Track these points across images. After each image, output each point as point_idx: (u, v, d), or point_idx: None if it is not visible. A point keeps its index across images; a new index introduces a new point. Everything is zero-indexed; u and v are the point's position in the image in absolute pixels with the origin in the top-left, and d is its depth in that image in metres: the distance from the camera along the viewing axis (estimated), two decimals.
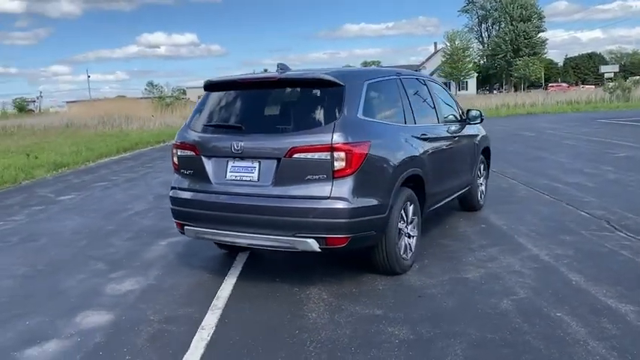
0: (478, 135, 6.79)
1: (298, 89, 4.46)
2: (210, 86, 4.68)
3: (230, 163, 4.34)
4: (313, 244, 4.08)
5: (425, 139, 5.13)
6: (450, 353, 3.32)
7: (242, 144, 4.25)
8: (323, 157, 4.01)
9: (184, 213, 4.58)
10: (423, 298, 4.24)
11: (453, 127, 6.07)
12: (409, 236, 4.86)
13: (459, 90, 75.16)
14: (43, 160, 14.26)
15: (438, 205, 5.56)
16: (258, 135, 4.28)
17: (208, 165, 4.44)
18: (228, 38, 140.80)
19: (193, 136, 4.57)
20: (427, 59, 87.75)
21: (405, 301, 4.18)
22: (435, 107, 5.71)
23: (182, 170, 4.65)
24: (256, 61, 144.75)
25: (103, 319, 4.01)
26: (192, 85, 73.40)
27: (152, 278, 4.89)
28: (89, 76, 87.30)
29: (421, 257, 5.20)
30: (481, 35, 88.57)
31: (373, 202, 4.23)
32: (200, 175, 4.48)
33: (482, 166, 7.14)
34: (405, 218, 4.76)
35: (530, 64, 74.84)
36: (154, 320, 3.96)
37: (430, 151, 5.18)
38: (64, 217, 7.71)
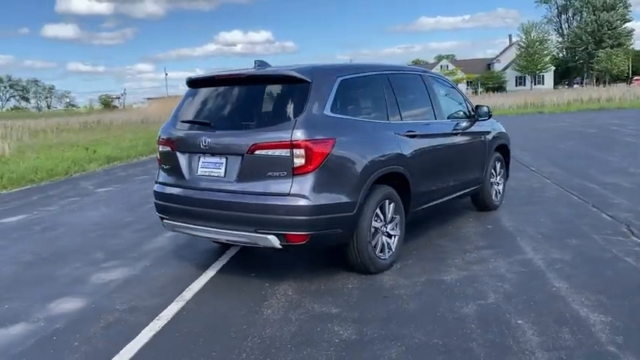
0: (490, 132, 6.53)
1: (266, 86, 4.48)
2: (191, 83, 4.78)
3: (201, 159, 4.43)
4: (274, 241, 4.09)
5: (412, 137, 5.00)
6: (382, 356, 3.25)
7: (209, 140, 4.33)
8: (283, 154, 4.02)
9: (163, 207, 4.72)
10: (388, 298, 4.16)
11: (457, 124, 5.88)
12: (389, 235, 4.77)
13: (535, 84, 72.16)
14: (100, 154, 15.05)
15: (431, 204, 5.40)
16: (225, 131, 4.34)
17: (182, 160, 4.55)
18: (301, 34, 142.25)
19: (171, 132, 4.69)
20: (501, 52, 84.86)
21: (367, 300, 4.12)
22: (432, 104, 5.54)
23: (162, 165, 4.80)
24: (329, 56, 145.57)
25: (74, 307, 4.21)
26: None
27: (139, 269, 5.07)
28: (167, 74, 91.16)
29: (408, 257, 5.10)
30: (560, 27, 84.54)
31: (338, 199, 4.18)
32: (176, 170, 4.60)
33: (498, 165, 6.86)
34: (383, 217, 4.66)
35: (614, 56, 70.57)
36: (119, 309, 4.11)
37: (419, 149, 5.04)
38: (92, 209, 8.12)
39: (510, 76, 76.40)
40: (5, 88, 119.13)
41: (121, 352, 3.41)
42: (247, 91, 4.51)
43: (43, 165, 12.50)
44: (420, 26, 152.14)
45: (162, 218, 4.78)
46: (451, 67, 79.89)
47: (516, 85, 74.48)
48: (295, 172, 4.01)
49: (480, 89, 68.02)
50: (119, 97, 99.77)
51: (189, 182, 4.49)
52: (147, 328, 3.75)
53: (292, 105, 4.16)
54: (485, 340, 3.39)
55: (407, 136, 4.94)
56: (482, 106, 6.29)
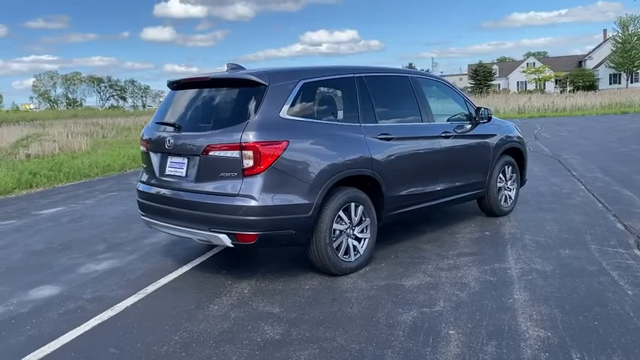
0: (495, 135, 6.30)
1: (226, 89, 4.60)
2: (170, 85, 5.00)
3: (169, 159, 4.64)
4: (225, 240, 4.23)
5: (387, 140, 4.95)
6: (292, 357, 3.28)
7: (172, 141, 4.54)
8: (233, 156, 4.13)
9: (141, 204, 4.98)
10: (335, 301, 4.17)
11: (449, 127, 5.73)
12: (357, 239, 4.76)
13: (631, 82, 67.49)
14: None
15: (412, 208, 5.31)
16: (186, 133, 4.52)
17: (155, 160, 4.78)
18: (387, 33, 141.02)
19: (148, 132, 4.94)
20: (594, 49, 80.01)
21: (314, 302, 4.15)
22: (419, 107, 5.45)
23: (142, 164, 5.06)
24: (414, 54, 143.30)
25: (48, 294, 4.55)
26: None
27: (125, 262, 5.37)
28: None
29: (383, 260, 5.07)
30: None
31: (290, 201, 4.24)
32: (150, 169, 4.85)
33: (508, 169, 6.61)
34: (349, 220, 4.66)
35: None
36: (83, 298, 4.40)
37: (395, 152, 4.99)
38: (121, 204, 8.63)
39: (604, 73, 71.86)
40: (105, 88, 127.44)
41: (60, 337, 3.67)
42: (210, 93, 4.66)
43: (102, 161, 13.35)
44: (512, 22, 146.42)
45: (141, 215, 5.04)
46: (538, 64, 76.36)
47: (610, 84, 69.92)
48: (245, 173, 4.12)
49: (568, 88, 64.49)
50: None
51: (160, 181, 4.71)
52: (97, 317, 4.00)
53: (247, 107, 4.27)
54: (402, 348, 3.34)
55: (381, 139, 4.90)
56: (483, 108, 6.08)
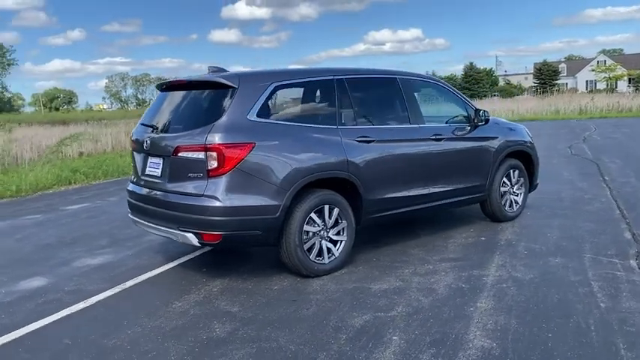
0: (497, 138, 6.11)
1: (200, 92, 4.71)
2: (158, 87, 5.18)
3: (149, 159, 4.81)
4: (192, 239, 4.34)
5: (367, 142, 4.93)
6: (228, 355, 3.35)
7: (149, 142, 4.70)
8: (199, 157, 4.24)
9: (128, 202, 5.19)
10: (295, 302, 4.20)
11: (441, 130, 5.63)
12: (332, 241, 4.76)
13: None
14: None
15: (396, 212, 5.24)
16: (162, 134, 4.67)
17: (138, 160, 4.97)
18: (452, 31, 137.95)
19: (136, 133, 5.13)
20: None
21: (275, 302, 4.19)
22: (407, 109, 5.38)
23: (132, 164, 5.26)
24: (480, 53, 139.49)
25: (35, 285, 4.82)
26: None
27: (119, 257, 5.60)
28: None
29: (363, 263, 5.06)
30: None
31: (255, 202, 4.30)
32: (135, 168, 5.05)
33: (515, 173, 6.40)
34: (324, 222, 4.68)
35: None
36: (64, 290, 4.64)
37: (375, 155, 4.96)
38: None
39: None
40: None
41: (25, 326, 3.88)
42: (185, 96, 4.79)
43: None
44: (585, 18, 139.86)
45: (129, 214, 5.24)
46: (609, 62, 72.76)
47: None
48: (210, 174, 4.22)
49: None
50: None
51: (142, 181, 4.90)
52: (68, 309, 4.21)
53: (215, 110, 4.37)
54: (337, 352, 3.33)
55: (360, 141, 4.88)
56: (482, 110, 5.93)
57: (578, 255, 5.06)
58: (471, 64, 65.56)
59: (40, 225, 7.38)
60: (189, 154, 4.30)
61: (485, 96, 46.01)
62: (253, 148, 4.27)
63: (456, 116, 5.97)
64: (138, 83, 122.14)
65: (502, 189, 6.28)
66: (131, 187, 5.13)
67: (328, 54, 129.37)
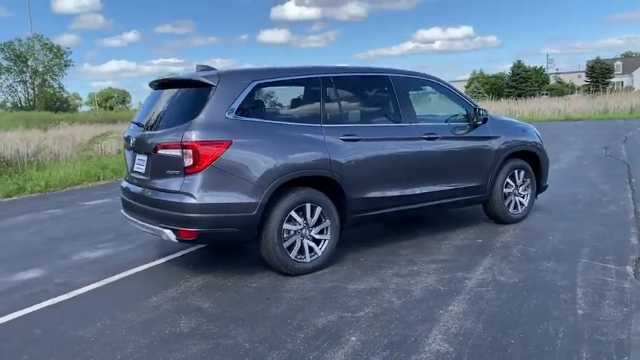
0: (498, 137, 5.93)
1: (183, 90, 4.76)
2: (150, 85, 5.28)
3: (137, 157, 4.91)
4: (170, 235, 4.41)
5: (353, 140, 4.89)
6: (184, 350, 3.39)
7: (134, 140, 4.80)
8: (176, 154, 4.31)
9: (120, 199, 5.32)
10: (269, 300, 4.21)
11: (436, 128, 5.52)
12: (314, 240, 4.75)
13: None
14: None
15: (387, 211, 5.17)
16: (147, 132, 4.76)
17: (128, 157, 5.09)
18: (504, 28, 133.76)
19: (127, 131, 5.25)
20: None
21: (247, 299, 4.22)
22: (399, 107, 5.30)
23: (125, 161, 5.40)
24: (533, 50, 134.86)
25: (29, 276, 5.00)
26: (460, 79, 73.08)
27: (117, 251, 5.75)
28: None
29: (348, 262, 5.03)
30: None
31: (231, 199, 4.33)
32: (127, 166, 5.17)
33: (519, 174, 6.20)
34: (305, 220, 4.67)
35: None
36: (53, 283, 4.80)
37: (360, 153, 4.91)
38: None
39: None
40: None
41: (8, 315, 4.06)
42: (170, 94, 4.86)
43: None
44: None
45: (121, 210, 5.37)
46: None
47: None
48: (186, 171, 4.28)
49: None
50: None
51: (131, 178, 5.01)
52: (50, 300, 4.35)
53: (194, 108, 4.42)
54: (290, 351, 3.33)
55: (345, 139, 4.84)
56: (481, 109, 5.77)
57: (574, 259, 4.87)
58: (519, 62, 63.71)
59: (56, 219, 7.66)
60: (168, 152, 4.37)
61: (532, 95, 44.59)
62: (230, 145, 4.30)
63: (457, 115, 5.85)
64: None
65: (506, 190, 6.10)
66: (124, 184, 5.26)
67: (376, 53, 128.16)
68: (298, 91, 5.00)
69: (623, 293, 4.05)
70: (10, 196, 9.96)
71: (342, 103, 4.97)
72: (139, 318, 3.93)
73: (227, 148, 4.29)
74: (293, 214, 4.59)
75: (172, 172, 4.36)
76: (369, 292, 4.28)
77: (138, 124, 4.96)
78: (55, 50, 64.16)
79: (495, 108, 34.51)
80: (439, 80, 5.88)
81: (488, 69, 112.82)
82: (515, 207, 6.24)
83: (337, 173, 4.74)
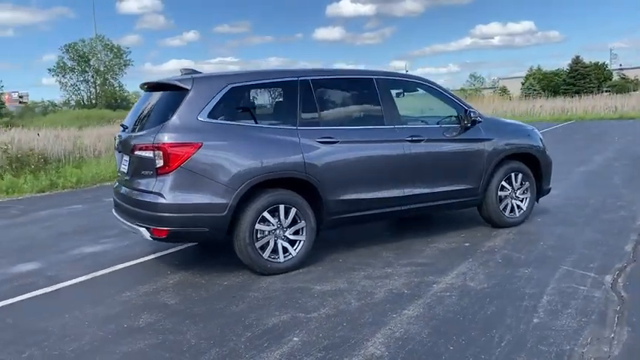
0: (492, 139, 5.81)
1: (162, 93, 4.93)
2: (141, 87, 5.49)
3: (122, 158, 5.13)
4: (145, 233, 4.60)
5: (331, 143, 4.94)
6: (133, 345, 3.54)
7: (118, 141, 5.02)
8: (149, 155, 4.49)
9: (113, 200, 5.55)
10: (234, 298, 4.32)
11: (422, 131, 5.48)
12: (289, 241, 4.82)
13: None
14: None
15: (368, 213, 5.19)
16: (129, 134, 4.96)
17: (117, 158, 5.32)
18: (567, 23, 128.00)
19: (119, 133, 5.49)
20: None
21: (213, 297, 4.34)
22: (382, 109, 5.30)
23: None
24: (599, 46, 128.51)
25: (26, 269, 5.30)
26: (517, 75, 71.00)
27: (115, 247, 6.01)
28: (407, 71, 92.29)
29: (326, 263, 5.08)
30: None
31: (202, 200, 4.47)
32: (117, 167, 5.41)
33: (517, 177, 6.06)
34: (279, 221, 4.75)
35: None
36: (43, 275, 5.07)
37: (338, 156, 4.95)
38: None
39: None
40: None
41: None
42: (152, 97, 5.04)
43: None
44: None
45: (113, 209, 5.60)
46: None
47: None
48: (158, 172, 4.45)
49: None
50: None
51: (118, 177, 5.24)
52: (33, 292, 4.62)
53: (169, 111, 4.58)
54: (231, 349, 3.42)
55: (321, 142, 4.90)
56: (470, 111, 5.68)
57: (555, 266, 4.75)
58: (578, 57, 61.16)
59: (74, 214, 8.06)
60: (142, 153, 4.55)
61: (591, 92, 42.73)
62: (200, 148, 4.43)
63: (449, 117, 5.78)
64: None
65: (501, 193, 5.98)
66: (115, 184, 5.49)
67: (432, 49, 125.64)
68: (275, 94, 5.08)
69: (589, 303, 3.93)
70: (43, 192, 10.51)
71: (321, 105, 5.02)
72: (106, 312, 4.13)
73: (197, 150, 4.42)
74: (266, 214, 4.68)
75: (147, 172, 4.54)
76: (333, 293, 4.32)
77: (124, 125, 5.17)
78: (115, 50, 66.51)
79: (548, 106, 33.48)
80: (430, 82, 5.82)
81: (549, 65, 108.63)
82: (512, 211, 6.11)
83: (312, 175, 4.79)
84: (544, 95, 46.48)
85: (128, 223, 4.85)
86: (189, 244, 5.80)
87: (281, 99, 5.05)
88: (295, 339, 3.53)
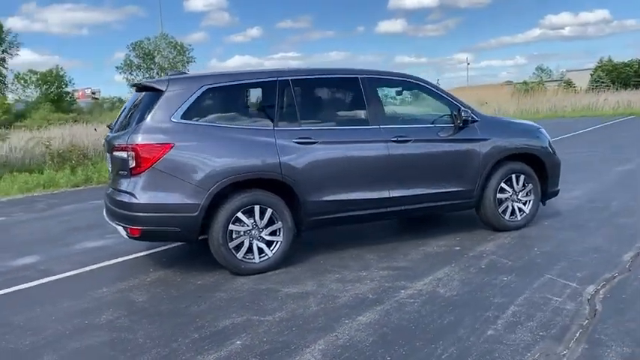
0: (488, 140, 5.57)
1: (143, 94, 5.00)
2: (132, 86, 5.64)
3: (108, 157, 5.28)
4: (122, 232, 4.73)
5: (309, 143, 4.90)
6: (80, 341, 3.67)
7: (104, 141, 5.17)
8: (124, 156, 4.61)
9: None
10: (200, 298, 4.37)
11: (409, 131, 5.34)
12: (266, 241, 4.83)
13: None
14: None
15: (352, 214, 5.12)
16: (112, 134, 5.10)
17: (107, 158, 5.48)
18: None
19: None
20: None
21: (181, 296, 4.40)
22: (367, 109, 5.20)
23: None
24: None
25: (24, 262, 5.57)
26: (587, 67, 67.90)
27: (116, 242, 6.15)
28: (468, 64, 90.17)
29: (305, 265, 5.05)
30: None
31: (174, 200, 4.54)
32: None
33: (519, 178, 5.79)
34: (255, 222, 4.76)
35: None
36: (36, 269, 5.31)
37: (316, 156, 4.91)
38: None
39: None
40: None
41: None
42: (137, 98, 5.12)
43: None
44: None
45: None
46: None
47: None
48: (131, 172, 4.56)
49: None
50: None
51: (108, 178, 5.41)
52: (20, 285, 4.85)
53: (144, 112, 4.67)
54: (172, 349, 3.47)
55: (299, 143, 4.87)
56: (462, 110, 5.47)
57: (538, 274, 4.52)
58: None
59: (94, 210, 8.33)
60: (119, 153, 4.67)
61: None
62: (171, 148, 4.50)
63: (442, 117, 5.61)
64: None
65: (500, 195, 5.74)
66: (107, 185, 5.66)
67: (498, 41, 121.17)
68: (253, 95, 5.08)
69: (556, 316, 3.72)
70: (78, 186, 11.00)
71: (301, 106, 4.98)
72: (76, 307, 4.28)
73: (168, 150, 4.49)
74: (240, 215, 4.69)
75: (123, 172, 4.66)
76: (297, 296, 4.29)
77: (110, 126, 5.33)
78: (178, 48, 68.48)
79: (612, 99, 31.74)
80: (423, 81, 5.64)
81: (624, 55, 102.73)
82: (513, 214, 5.85)
83: (288, 176, 4.77)
84: (612, 88, 44.14)
85: (111, 222, 4.99)
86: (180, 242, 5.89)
87: (259, 99, 5.04)
88: (238, 342, 3.53)
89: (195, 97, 4.67)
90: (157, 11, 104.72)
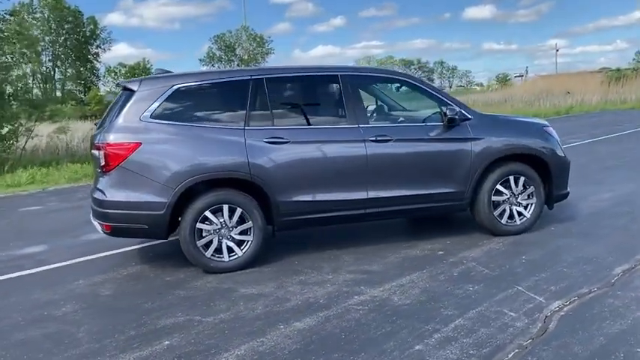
0: (480, 139, 5.26)
1: (122, 93, 5.11)
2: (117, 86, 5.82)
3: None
4: (99, 228, 4.92)
5: (280, 143, 4.87)
6: (28, 332, 3.86)
7: (90, 139, 5.37)
8: (97, 154, 4.78)
9: None
10: (160, 295, 4.46)
11: (390, 130, 5.17)
12: (234, 240, 4.86)
13: None
14: None
15: (328, 215, 5.02)
16: (95, 132, 5.28)
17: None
18: None
19: None
20: None
21: (143, 292, 4.51)
22: (345, 108, 5.08)
23: None
24: None
25: (28, 252, 5.90)
26: None
27: None
28: (557, 50, 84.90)
29: (277, 265, 5.03)
30: None
31: (141, 198, 4.65)
32: None
33: (518, 180, 5.44)
34: (224, 221, 4.79)
35: None
36: (35, 258, 5.62)
37: (288, 156, 4.86)
38: None
39: None
40: (415, 70, 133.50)
41: None
42: (119, 97, 5.27)
43: None
44: None
45: None
46: None
47: None
48: (103, 170, 4.72)
49: None
50: (521, 75, 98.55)
51: None
52: (9, 274, 5.16)
53: (117, 111, 4.81)
54: (103, 345, 3.57)
55: (270, 142, 4.84)
56: (450, 108, 5.20)
57: (508, 286, 4.26)
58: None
59: None
60: (95, 152, 4.85)
61: None
62: (138, 147, 4.61)
63: (434, 115, 5.37)
64: (382, 65, 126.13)
65: (496, 198, 5.43)
66: None
67: (596, 25, 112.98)
68: (225, 95, 5.06)
69: (499, 333, 3.49)
70: None
71: (275, 105, 4.94)
72: (44, 298, 4.49)
73: (136, 149, 4.60)
74: (208, 214, 4.74)
75: (98, 170, 4.83)
76: (250, 297, 4.28)
77: (96, 124, 5.53)
78: (258, 40, 70.01)
79: None
80: (410, 77, 5.47)
81: None
82: (512, 217, 5.51)
83: (258, 176, 4.76)
84: None
85: (91, 219, 5.18)
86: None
87: (230, 99, 5.02)
88: (166, 342, 3.58)
89: (164, 97, 4.75)
90: (239, 5, 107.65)
